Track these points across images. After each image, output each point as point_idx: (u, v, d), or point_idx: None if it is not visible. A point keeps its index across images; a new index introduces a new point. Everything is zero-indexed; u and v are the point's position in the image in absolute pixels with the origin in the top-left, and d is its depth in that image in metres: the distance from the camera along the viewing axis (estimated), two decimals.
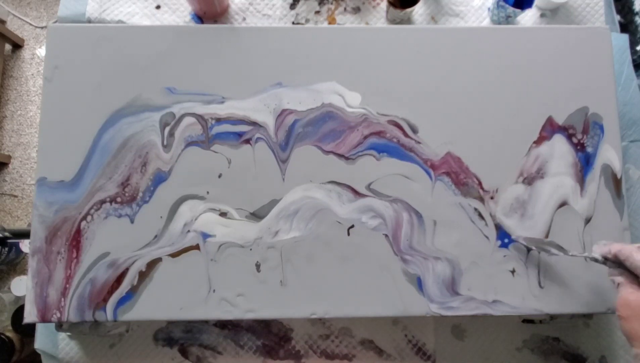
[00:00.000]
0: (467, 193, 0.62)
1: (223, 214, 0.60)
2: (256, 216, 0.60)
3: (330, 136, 0.62)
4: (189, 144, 0.61)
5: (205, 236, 0.59)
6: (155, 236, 0.59)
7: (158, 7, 0.72)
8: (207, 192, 0.60)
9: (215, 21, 0.72)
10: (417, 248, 0.60)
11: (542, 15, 0.74)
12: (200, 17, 0.71)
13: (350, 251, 0.60)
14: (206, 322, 0.69)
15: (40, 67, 1.36)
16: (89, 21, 0.71)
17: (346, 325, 0.69)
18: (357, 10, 0.71)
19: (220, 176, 0.61)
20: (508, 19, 0.71)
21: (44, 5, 1.36)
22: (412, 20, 0.72)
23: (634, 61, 0.73)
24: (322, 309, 0.59)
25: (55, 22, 0.68)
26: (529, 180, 0.62)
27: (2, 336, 0.99)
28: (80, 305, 0.58)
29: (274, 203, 0.60)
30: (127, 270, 0.58)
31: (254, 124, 0.62)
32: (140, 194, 0.60)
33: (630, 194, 0.72)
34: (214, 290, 0.59)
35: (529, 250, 0.60)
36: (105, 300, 0.58)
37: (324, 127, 0.62)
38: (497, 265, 0.61)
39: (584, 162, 0.63)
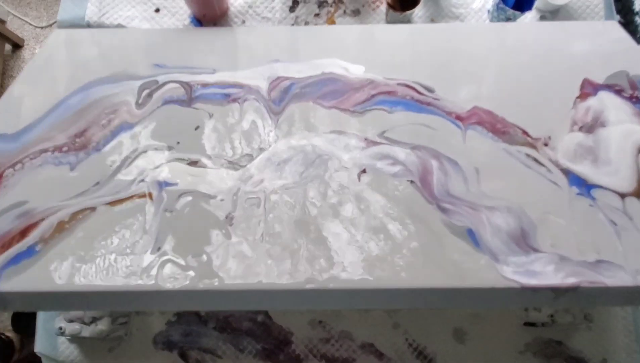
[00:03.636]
0: (512, 140, 0.54)
1: (193, 163, 0.51)
2: (236, 164, 0.50)
3: (332, 95, 0.59)
4: (167, 102, 0.58)
5: (163, 184, 0.48)
6: (97, 183, 0.48)
7: (157, 10, 0.83)
8: (178, 142, 0.53)
9: (214, 24, 0.82)
10: (459, 196, 0.47)
11: (542, 18, 0.83)
12: (199, 20, 0.82)
13: (363, 200, 0.47)
14: (205, 324, 0.61)
15: None
16: (88, 25, 0.82)
17: (346, 329, 0.70)
18: (356, 12, 0.82)
19: (197, 128, 0.55)
20: (508, 21, 0.79)
21: (44, 5, 1.49)
22: (412, 23, 0.82)
23: None
24: (323, 277, 0.41)
25: (54, 23, 0.75)
26: (587, 128, 0.55)
27: (2, 336, 1.04)
28: None
29: (261, 151, 0.52)
30: (42, 220, 0.45)
31: (244, 87, 0.60)
32: (94, 143, 0.53)
33: None
34: (158, 249, 0.43)
35: None
36: None
37: (325, 89, 0.60)
38: (584, 216, 0.46)
39: None
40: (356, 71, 0.65)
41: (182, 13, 0.82)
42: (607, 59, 0.67)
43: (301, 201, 0.48)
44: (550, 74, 0.64)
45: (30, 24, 1.44)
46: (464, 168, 0.51)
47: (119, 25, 0.81)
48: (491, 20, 0.82)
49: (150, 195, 0.48)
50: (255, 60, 0.67)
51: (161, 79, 0.64)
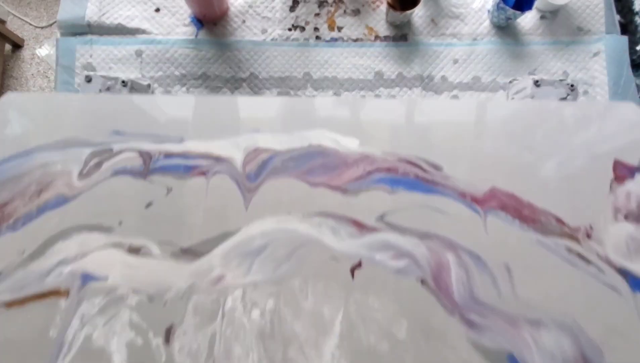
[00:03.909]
0: (546, 230, 0.44)
1: (134, 250, 0.39)
2: (191, 253, 0.39)
3: (320, 170, 0.50)
4: (118, 173, 0.48)
5: (87, 278, 0.36)
6: None
7: (157, 10, 0.80)
8: (120, 222, 0.42)
9: (214, 24, 0.79)
10: (489, 303, 0.35)
11: (542, 17, 0.82)
12: (199, 20, 0.79)
13: (357, 306, 0.35)
14: None
15: (40, 67, 1.37)
16: (89, 24, 0.78)
17: None
18: (356, 12, 0.80)
19: (149, 205, 0.44)
20: (508, 21, 0.79)
21: (44, 5, 1.47)
22: (412, 22, 0.80)
23: (633, 60, 0.78)
24: None
25: (54, 23, 0.70)
26: (634, 217, 0.46)
27: None
28: None
29: (225, 236, 0.41)
30: None
31: (215, 158, 0.51)
32: (11, 221, 0.41)
33: None
34: None
35: None
36: None
37: (311, 163, 0.51)
38: None
39: None
40: (349, 144, 0.57)
41: (182, 13, 0.80)
42: (632, 140, 0.60)
43: (273, 308, 0.36)
44: (574, 156, 0.56)
45: (30, 24, 1.47)
46: (490, 264, 0.40)
47: (119, 25, 0.78)
48: (491, 20, 0.81)
49: (65, 293, 0.36)
50: (232, 129, 0.59)
51: (117, 147, 0.55)
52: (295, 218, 0.44)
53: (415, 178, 0.50)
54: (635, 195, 0.50)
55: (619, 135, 0.60)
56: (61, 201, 0.45)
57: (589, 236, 0.43)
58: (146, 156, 0.52)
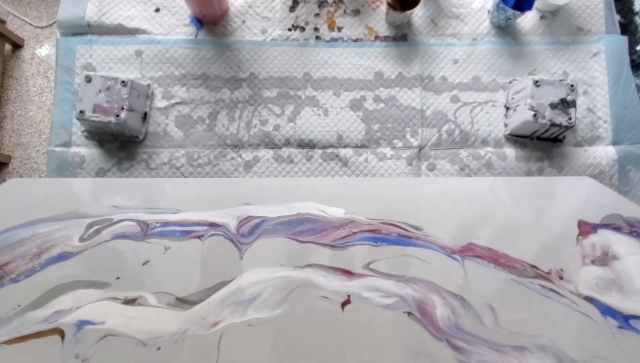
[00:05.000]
0: (521, 274, 0.48)
1: (130, 301, 0.42)
2: (186, 302, 0.42)
3: (309, 232, 0.55)
4: (117, 237, 0.52)
5: (83, 323, 0.39)
6: None
7: (157, 10, 0.81)
8: (117, 278, 0.45)
9: (214, 24, 0.80)
10: (475, 333, 0.39)
11: (542, 17, 0.83)
12: (199, 20, 0.80)
13: (349, 336, 0.38)
14: None
15: (40, 67, 1.39)
16: (89, 25, 0.79)
17: None
18: (356, 12, 0.82)
19: (145, 263, 0.48)
20: (508, 21, 0.80)
21: (44, 5, 1.47)
22: (412, 22, 0.82)
23: (633, 60, 0.79)
24: None
25: (54, 23, 0.71)
26: (600, 262, 0.52)
27: None
28: None
29: (220, 285, 0.44)
30: None
31: (210, 224, 0.56)
32: (14, 275, 0.44)
33: (631, 195, 0.71)
34: None
35: None
36: None
37: (300, 227, 0.57)
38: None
39: None
40: (335, 212, 0.62)
41: (182, 13, 0.81)
42: (590, 205, 0.67)
43: (270, 340, 0.37)
44: (543, 219, 0.63)
45: (30, 24, 1.49)
46: (474, 304, 0.43)
47: (119, 25, 0.79)
48: (491, 20, 0.82)
49: (61, 332, 0.37)
50: (225, 203, 0.64)
51: (116, 217, 0.59)
52: (287, 269, 0.47)
53: (397, 236, 0.55)
54: (600, 245, 0.56)
55: (580, 202, 0.68)
56: (63, 256, 0.48)
57: (561, 277, 0.48)
58: (143, 225, 0.57)
